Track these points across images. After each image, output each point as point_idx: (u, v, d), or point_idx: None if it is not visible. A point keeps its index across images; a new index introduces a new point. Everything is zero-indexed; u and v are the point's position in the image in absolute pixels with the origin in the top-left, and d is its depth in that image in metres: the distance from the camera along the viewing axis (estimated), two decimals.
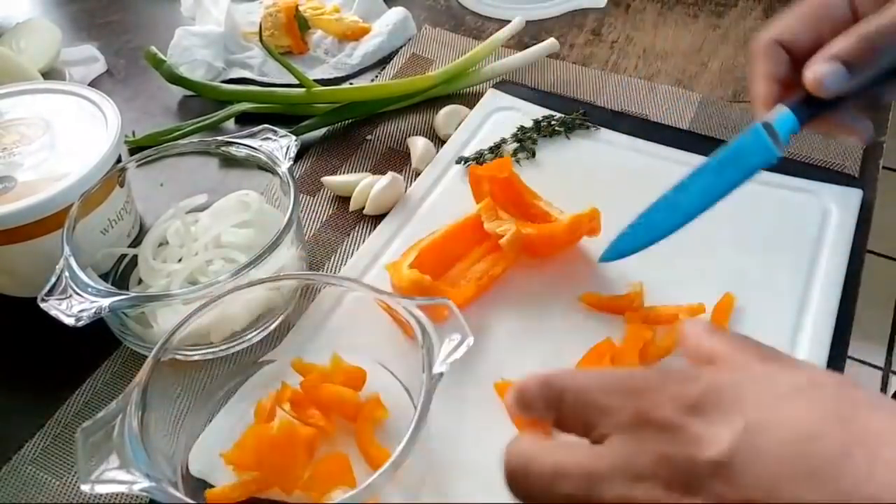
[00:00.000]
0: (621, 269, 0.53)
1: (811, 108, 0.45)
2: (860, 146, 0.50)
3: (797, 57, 0.47)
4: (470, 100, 0.69)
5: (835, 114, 0.46)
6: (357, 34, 0.78)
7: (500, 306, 0.51)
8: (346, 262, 0.56)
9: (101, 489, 0.36)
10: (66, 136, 0.55)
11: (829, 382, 0.27)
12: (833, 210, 0.56)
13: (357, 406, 0.44)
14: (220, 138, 0.58)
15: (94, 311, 0.43)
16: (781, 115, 0.45)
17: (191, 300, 0.45)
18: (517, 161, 0.62)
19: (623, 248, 0.48)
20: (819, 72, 0.43)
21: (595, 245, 0.54)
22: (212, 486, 0.42)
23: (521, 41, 0.76)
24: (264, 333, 0.50)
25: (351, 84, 0.74)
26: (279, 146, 0.54)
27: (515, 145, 0.63)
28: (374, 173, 0.62)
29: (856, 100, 0.45)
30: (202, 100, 0.71)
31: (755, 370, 0.29)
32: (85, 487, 0.36)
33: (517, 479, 0.29)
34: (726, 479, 0.25)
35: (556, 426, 0.31)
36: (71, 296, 0.44)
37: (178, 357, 0.45)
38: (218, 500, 0.40)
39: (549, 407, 0.30)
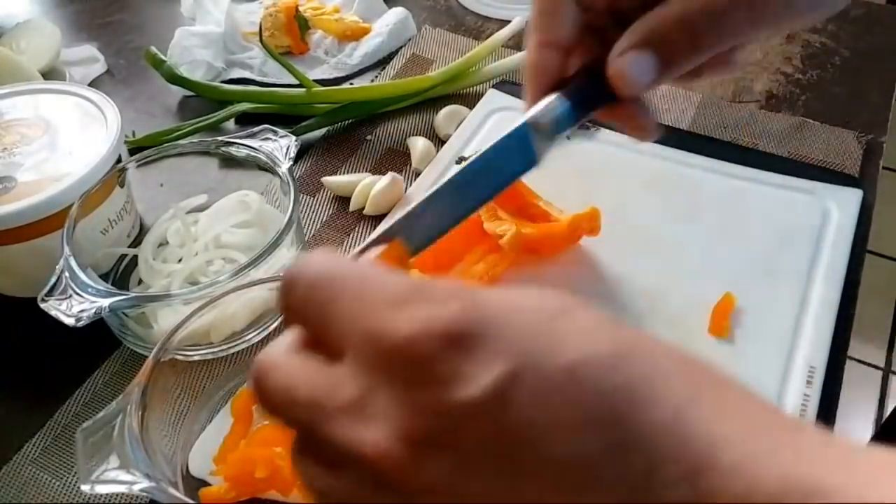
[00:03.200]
0: (622, 270, 0.53)
1: (596, 96, 0.34)
2: (644, 140, 0.37)
3: (591, 7, 0.35)
4: (470, 100, 0.69)
5: (625, 105, 0.35)
6: (357, 34, 0.78)
7: None
8: None
9: (101, 489, 0.36)
10: (66, 136, 0.55)
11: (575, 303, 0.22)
12: (833, 210, 0.56)
13: None
14: (220, 138, 0.58)
15: (94, 311, 0.43)
16: (555, 110, 0.34)
17: (191, 300, 0.45)
18: None
19: None
20: (626, 66, 0.32)
21: (595, 244, 0.54)
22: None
23: (521, 41, 0.76)
24: (264, 333, 0.50)
25: (351, 84, 0.73)
26: (279, 146, 0.54)
27: None
28: (374, 173, 0.62)
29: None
30: (202, 100, 0.71)
31: (506, 294, 0.22)
32: (85, 488, 0.36)
33: (256, 388, 0.24)
34: (483, 422, 0.20)
35: (284, 321, 0.24)
36: (71, 296, 0.44)
37: (178, 357, 0.45)
38: (212, 500, 0.40)
39: (282, 294, 0.24)
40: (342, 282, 0.23)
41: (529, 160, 0.34)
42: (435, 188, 0.34)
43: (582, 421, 0.19)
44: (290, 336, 0.24)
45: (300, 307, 0.24)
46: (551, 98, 0.34)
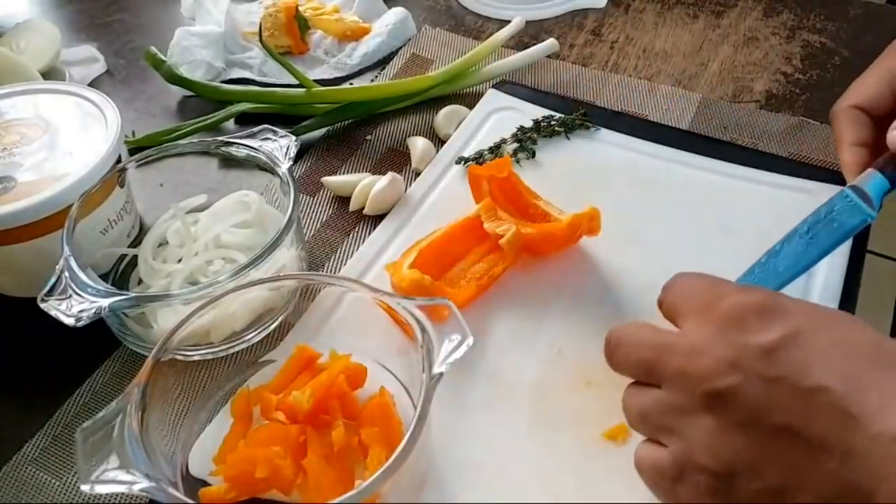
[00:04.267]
0: (622, 270, 0.53)
1: None
2: None
3: (878, 118, 0.50)
4: (470, 100, 0.69)
5: None
6: (357, 34, 0.78)
7: (500, 306, 0.51)
8: (346, 262, 0.56)
9: (101, 489, 0.36)
10: (66, 136, 0.55)
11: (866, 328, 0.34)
12: None
13: (353, 402, 0.44)
14: (220, 138, 0.58)
15: (94, 311, 0.43)
16: (871, 178, 0.46)
17: (191, 300, 0.45)
18: (517, 161, 0.62)
19: None
20: None
21: (595, 245, 0.54)
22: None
23: (521, 41, 0.76)
24: (264, 333, 0.50)
25: (351, 84, 0.74)
26: (279, 146, 0.54)
27: (515, 145, 0.63)
28: (374, 173, 0.62)
29: None
30: (202, 100, 0.71)
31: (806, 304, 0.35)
32: (85, 488, 0.36)
33: (609, 347, 0.38)
34: (768, 361, 0.32)
35: (660, 307, 0.39)
36: (71, 296, 0.44)
37: (178, 357, 0.45)
38: (212, 500, 0.40)
39: (663, 292, 0.39)
40: (698, 287, 0.37)
41: (862, 214, 0.45)
42: (772, 248, 0.47)
43: (836, 362, 0.31)
44: (635, 322, 0.38)
45: (671, 296, 0.38)
46: (868, 171, 0.46)
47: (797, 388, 0.31)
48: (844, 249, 0.53)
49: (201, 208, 0.56)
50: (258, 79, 0.75)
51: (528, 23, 0.75)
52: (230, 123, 0.69)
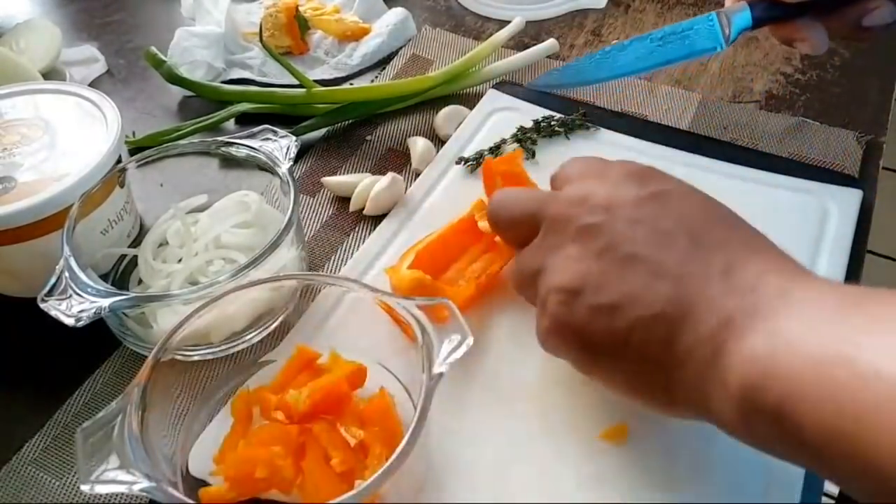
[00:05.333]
0: None
1: (772, 9, 0.49)
2: (812, 53, 0.53)
3: None
4: (470, 100, 0.69)
5: (794, 21, 0.49)
6: (357, 35, 0.78)
7: (500, 306, 0.51)
8: (346, 262, 0.56)
9: (101, 489, 0.36)
10: (66, 136, 0.55)
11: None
12: (833, 210, 0.55)
13: (353, 402, 0.44)
14: (220, 138, 0.58)
15: (94, 311, 0.43)
16: (741, 10, 0.48)
17: (191, 300, 0.45)
18: None
19: (552, 81, 0.55)
20: None
21: None
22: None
23: (521, 41, 0.76)
24: (264, 333, 0.50)
25: (351, 84, 0.74)
26: (279, 146, 0.54)
27: (515, 145, 0.63)
28: (374, 174, 0.62)
29: (828, 17, 0.48)
30: (202, 100, 0.71)
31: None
32: (85, 488, 0.36)
33: (493, 206, 0.44)
34: (635, 207, 0.37)
35: (552, 183, 0.45)
36: (71, 296, 0.44)
37: (178, 357, 0.45)
38: (212, 500, 0.40)
39: (558, 170, 0.45)
40: (583, 162, 0.45)
41: (714, 41, 0.49)
42: (621, 42, 0.51)
43: (695, 219, 0.37)
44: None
45: (562, 176, 0.44)
46: (741, 3, 0.49)
47: (654, 230, 0.36)
48: (844, 249, 0.53)
49: (201, 208, 0.56)
50: (258, 79, 0.75)
51: (528, 23, 0.75)
52: (230, 123, 0.69)
